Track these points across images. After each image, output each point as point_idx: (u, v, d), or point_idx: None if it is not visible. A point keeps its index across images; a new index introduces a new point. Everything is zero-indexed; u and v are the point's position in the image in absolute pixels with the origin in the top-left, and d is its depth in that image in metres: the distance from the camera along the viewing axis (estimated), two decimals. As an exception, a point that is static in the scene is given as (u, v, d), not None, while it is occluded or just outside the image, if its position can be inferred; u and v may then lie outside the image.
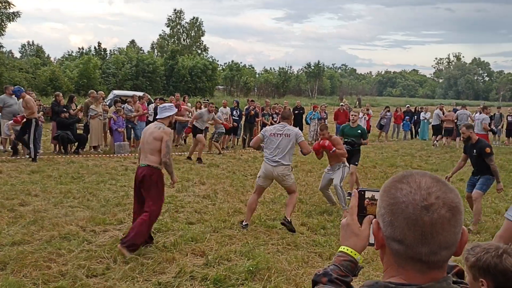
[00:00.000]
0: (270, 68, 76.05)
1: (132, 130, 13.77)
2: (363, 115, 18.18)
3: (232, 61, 61.07)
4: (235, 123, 15.00)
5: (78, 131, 13.26)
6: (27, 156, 11.24)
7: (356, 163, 8.91)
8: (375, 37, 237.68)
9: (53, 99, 13.24)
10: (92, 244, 5.54)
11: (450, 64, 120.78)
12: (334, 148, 7.27)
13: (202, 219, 6.78)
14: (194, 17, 69.40)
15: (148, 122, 14.48)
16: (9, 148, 11.88)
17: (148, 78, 42.15)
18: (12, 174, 9.26)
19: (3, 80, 27.96)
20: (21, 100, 11.35)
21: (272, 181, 6.64)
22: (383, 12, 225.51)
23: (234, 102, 16.40)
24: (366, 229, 1.27)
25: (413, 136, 20.63)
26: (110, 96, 19.06)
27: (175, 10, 69.95)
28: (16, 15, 31.53)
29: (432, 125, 18.59)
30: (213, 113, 12.62)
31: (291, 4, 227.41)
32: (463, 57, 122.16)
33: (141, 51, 60.65)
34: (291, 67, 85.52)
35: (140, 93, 16.51)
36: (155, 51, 67.77)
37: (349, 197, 7.97)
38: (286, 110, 6.88)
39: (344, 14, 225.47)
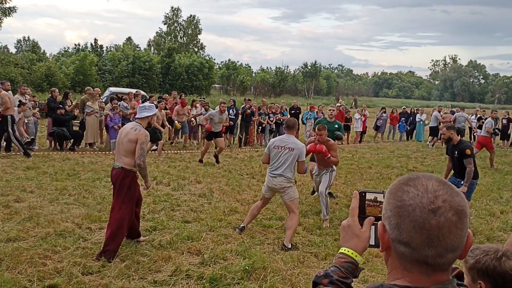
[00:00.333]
0: (267, 67, 76.04)
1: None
2: (360, 116, 18.23)
3: (229, 60, 61.10)
4: (231, 122, 14.98)
5: (74, 128, 13.22)
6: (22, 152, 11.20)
7: None
8: (371, 38, 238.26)
9: (49, 95, 13.19)
10: (87, 242, 5.53)
11: (446, 66, 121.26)
12: (329, 155, 6.87)
13: (198, 218, 6.78)
14: (191, 15, 69.31)
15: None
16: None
17: (144, 76, 42.00)
18: (7, 170, 9.22)
19: (-2, 75, 27.80)
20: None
21: (275, 192, 6.29)
22: (379, 13, 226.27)
23: (231, 101, 16.39)
24: (366, 230, 1.28)
25: (409, 138, 20.70)
26: (106, 93, 18.99)
27: (172, 7, 69.67)
28: (12, 10, 31.38)
29: (430, 127, 18.67)
30: (225, 113, 12.01)
31: (288, 4, 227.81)
32: (459, 59, 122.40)
33: (138, 48, 60.45)
34: (287, 66, 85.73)
35: (143, 92, 16.51)
36: (152, 48, 67.59)
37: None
38: (290, 119, 6.54)
39: (340, 14, 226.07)
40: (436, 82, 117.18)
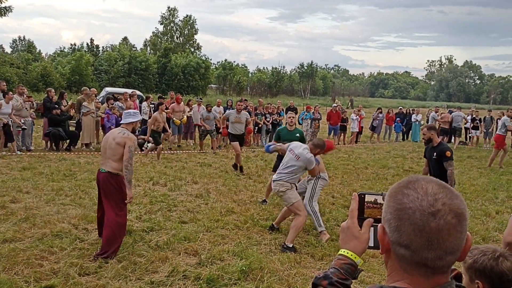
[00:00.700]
0: (263, 68, 76.28)
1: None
2: (356, 117, 18.28)
3: (225, 60, 61.13)
4: (259, 122, 15.03)
5: (70, 128, 13.18)
6: (18, 152, 11.17)
7: None
8: (368, 38, 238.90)
9: (45, 95, 13.15)
10: (84, 242, 5.52)
11: (442, 66, 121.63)
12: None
13: (195, 218, 6.78)
14: (187, 15, 69.24)
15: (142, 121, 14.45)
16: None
17: (140, 76, 41.96)
18: (3, 171, 9.19)
19: (-6, 75, 27.69)
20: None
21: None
22: (376, 13, 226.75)
23: (229, 101, 16.45)
24: (366, 232, 1.29)
25: (405, 138, 20.76)
26: (103, 93, 18.98)
27: (168, 7, 69.58)
28: (7, 9, 31.20)
29: None
30: (244, 112, 11.28)
31: (285, 4, 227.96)
32: (455, 59, 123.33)
33: (134, 49, 60.35)
34: (284, 67, 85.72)
35: (139, 92, 16.49)
36: (148, 48, 67.50)
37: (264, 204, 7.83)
38: (320, 140, 6.42)
39: (337, 14, 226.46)
40: (432, 83, 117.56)
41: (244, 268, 4.84)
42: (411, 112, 21.26)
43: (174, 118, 14.03)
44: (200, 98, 17.97)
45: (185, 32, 68.88)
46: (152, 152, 12.21)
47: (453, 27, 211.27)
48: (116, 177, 5.22)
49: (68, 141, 12.65)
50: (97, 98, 15.07)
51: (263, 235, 6.26)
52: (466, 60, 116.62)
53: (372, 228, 1.29)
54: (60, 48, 49.17)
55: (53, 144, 12.40)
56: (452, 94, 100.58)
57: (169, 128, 13.54)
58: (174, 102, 15.02)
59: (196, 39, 70.08)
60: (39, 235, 5.61)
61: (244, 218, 6.93)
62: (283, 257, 5.41)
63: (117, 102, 13.73)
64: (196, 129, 16.02)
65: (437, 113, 19.57)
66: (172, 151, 13.43)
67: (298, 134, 8.16)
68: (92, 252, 5.15)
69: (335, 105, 19.93)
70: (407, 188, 1.05)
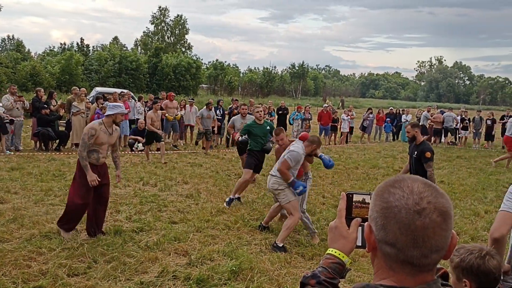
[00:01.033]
0: (255, 68, 76.08)
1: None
2: (347, 117, 18.35)
3: (217, 60, 60.97)
4: (218, 123, 14.96)
5: (60, 128, 13.08)
6: (7, 152, 11.07)
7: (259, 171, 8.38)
8: (358, 39, 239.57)
9: (34, 94, 13.04)
10: (73, 242, 5.47)
11: (432, 67, 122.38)
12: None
13: (185, 219, 6.76)
14: (178, 15, 69.03)
15: (132, 121, 14.36)
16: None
17: (131, 76, 41.71)
18: (-9, 171, 9.10)
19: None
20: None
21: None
22: (367, 14, 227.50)
23: (221, 101, 16.47)
24: (354, 231, 1.29)
25: (395, 138, 20.88)
26: (93, 93, 18.87)
27: (159, 7, 69.38)
28: (-3, 8, 30.97)
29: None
30: (248, 115, 9.95)
31: (276, 4, 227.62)
32: (445, 60, 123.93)
33: (125, 48, 60.04)
34: (275, 67, 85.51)
35: (125, 90, 16.39)
36: (139, 48, 67.21)
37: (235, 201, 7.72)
38: (314, 136, 6.37)
39: (328, 15, 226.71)
40: (422, 83, 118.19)
41: (234, 268, 4.83)
42: (401, 112, 21.40)
43: (166, 115, 14.01)
44: (192, 99, 17.95)
45: (176, 32, 68.70)
46: (158, 152, 12.15)
47: (442, 28, 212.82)
48: (79, 164, 5.64)
49: (57, 141, 12.55)
50: (88, 98, 14.96)
51: (253, 235, 6.25)
52: (456, 61, 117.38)
53: (360, 228, 1.29)
54: (50, 47, 48.80)
55: (42, 144, 12.29)
56: (442, 95, 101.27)
57: (161, 129, 13.49)
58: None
59: (187, 39, 70.04)
60: (27, 236, 5.57)
61: (235, 218, 6.92)
62: (273, 257, 5.42)
63: (107, 101, 13.64)
64: (188, 129, 16.00)
65: (429, 112, 19.77)
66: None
67: (268, 127, 8.09)
68: (81, 253, 5.11)
69: (326, 105, 19.97)
70: (393, 187, 1.06)
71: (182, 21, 68.58)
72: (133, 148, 13.28)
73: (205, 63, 59.96)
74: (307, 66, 75.83)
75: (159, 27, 68.46)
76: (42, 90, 13.01)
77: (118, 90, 16.55)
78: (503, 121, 18.77)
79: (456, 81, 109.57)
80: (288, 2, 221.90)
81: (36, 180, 8.57)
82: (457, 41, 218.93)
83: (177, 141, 15.15)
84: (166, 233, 5.98)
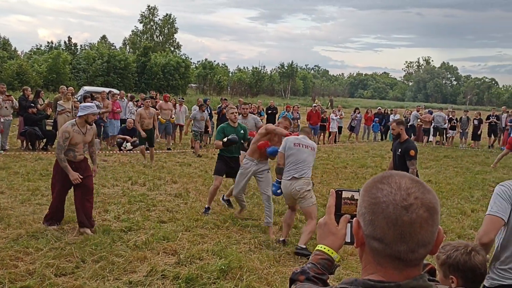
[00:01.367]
0: (244, 67, 76.03)
1: (102, 127, 13.31)
2: (336, 117, 18.44)
3: (206, 59, 60.86)
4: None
5: (47, 127, 12.96)
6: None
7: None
8: (347, 39, 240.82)
9: (21, 93, 12.90)
10: (61, 242, 5.43)
11: (420, 67, 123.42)
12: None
13: (174, 218, 6.74)
14: (167, 14, 68.83)
15: (122, 121, 14.26)
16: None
17: (119, 75, 41.43)
18: (-24, 170, 8.98)
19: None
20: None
21: (295, 200, 5.80)
22: (355, 14, 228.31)
23: (208, 100, 16.43)
24: (342, 228, 1.31)
25: (383, 138, 21.03)
26: (81, 92, 18.72)
27: (148, 6, 69.06)
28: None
29: (409, 125, 19.06)
30: (250, 115, 9.37)
31: (265, 4, 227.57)
32: (432, 61, 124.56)
33: (113, 47, 59.64)
34: (264, 66, 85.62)
35: (113, 90, 16.31)
36: (127, 47, 66.84)
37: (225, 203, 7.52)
38: (306, 127, 6.36)
39: (317, 15, 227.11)
40: (410, 84, 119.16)
41: (223, 267, 4.83)
42: (389, 112, 21.55)
43: (159, 117, 13.85)
44: (182, 98, 17.89)
45: (165, 31, 68.47)
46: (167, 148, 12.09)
47: (430, 29, 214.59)
48: (56, 163, 5.90)
49: (44, 140, 12.43)
50: (76, 97, 14.83)
51: (242, 234, 6.26)
52: (443, 62, 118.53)
53: (349, 224, 1.31)
54: (37, 46, 48.28)
55: (29, 143, 12.17)
56: (430, 95, 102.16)
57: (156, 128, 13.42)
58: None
59: (176, 38, 69.88)
60: (14, 236, 5.51)
61: (224, 217, 6.92)
62: (262, 256, 5.42)
63: (95, 101, 13.53)
64: (178, 128, 15.93)
65: (419, 112, 20.08)
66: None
67: (242, 131, 7.25)
68: (69, 253, 5.07)
69: (315, 105, 20.05)
70: (381, 183, 1.07)
71: (171, 20, 68.34)
72: (121, 148, 13.19)
73: (194, 63, 59.89)
74: (296, 66, 76.06)
75: (147, 26, 68.15)
76: (29, 89, 12.89)
77: (107, 89, 16.46)
78: (489, 121, 19.06)
79: (444, 82, 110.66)
80: (277, 2, 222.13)
81: (23, 180, 8.48)
82: (444, 41, 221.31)
83: (170, 144, 15.09)
84: (155, 232, 5.96)
